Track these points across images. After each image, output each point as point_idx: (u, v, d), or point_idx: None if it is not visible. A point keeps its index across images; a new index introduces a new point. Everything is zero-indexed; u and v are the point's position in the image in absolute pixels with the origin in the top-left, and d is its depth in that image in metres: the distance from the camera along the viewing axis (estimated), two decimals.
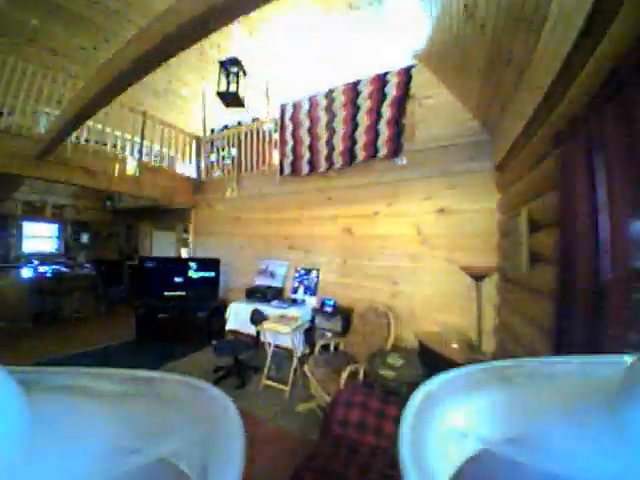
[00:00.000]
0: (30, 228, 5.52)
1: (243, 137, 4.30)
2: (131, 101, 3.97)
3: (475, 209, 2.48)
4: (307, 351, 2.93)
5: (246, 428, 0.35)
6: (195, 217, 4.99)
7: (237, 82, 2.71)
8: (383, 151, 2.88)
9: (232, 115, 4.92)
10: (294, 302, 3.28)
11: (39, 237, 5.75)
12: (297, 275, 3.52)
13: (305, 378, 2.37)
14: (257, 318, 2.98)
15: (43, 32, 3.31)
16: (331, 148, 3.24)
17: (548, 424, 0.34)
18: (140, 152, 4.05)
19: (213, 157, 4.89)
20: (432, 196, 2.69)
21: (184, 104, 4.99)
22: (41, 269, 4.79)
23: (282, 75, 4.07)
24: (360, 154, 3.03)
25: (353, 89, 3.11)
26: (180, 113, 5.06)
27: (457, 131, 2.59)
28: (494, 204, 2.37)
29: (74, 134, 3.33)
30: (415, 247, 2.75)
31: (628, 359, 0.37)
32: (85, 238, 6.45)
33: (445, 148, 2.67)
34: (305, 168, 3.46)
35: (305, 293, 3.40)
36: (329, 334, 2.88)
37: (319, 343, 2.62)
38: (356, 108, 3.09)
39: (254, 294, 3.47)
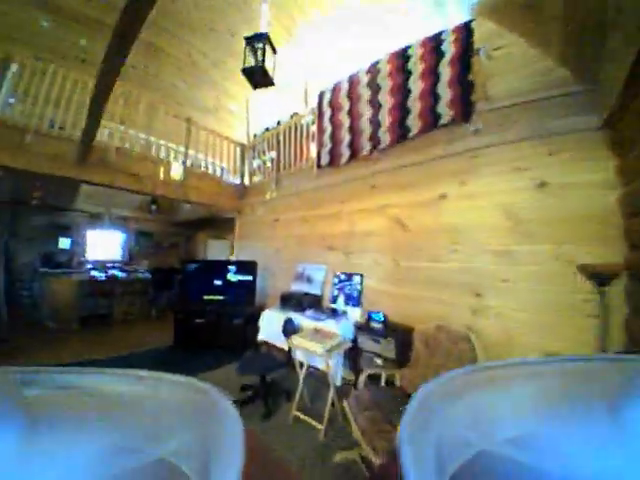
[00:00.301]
0: (94, 237, 5.98)
1: (282, 136, 4.09)
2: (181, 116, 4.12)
3: (584, 182, 1.67)
4: (351, 378, 2.32)
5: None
6: (239, 223, 4.90)
7: (263, 57, 2.40)
8: (447, 116, 2.21)
9: (273, 117, 4.83)
10: (333, 313, 2.71)
11: (104, 245, 6.20)
12: (336, 281, 2.96)
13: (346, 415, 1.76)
14: (289, 329, 2.50)
15: (92, 52, 3.57)
16: (376, 125, 2.68)
17: (547, 424, 0.34)
18: (185, 157, 4.08)
19: (255, 163, 4.80)
20: (525, 166, 1.89)
21: (232, 118, 5.15)
22: (95, 273, 5.09)
23: (322, 65, 3.78)
24: (414, 125, 2.40)
25: (401, 55, 2.57)
26: (228, 127, 5.21)
27: (541, 83, 1.86)
28: (610, 173, 1.58)
29: (119, 140, 3.47)
30: (504, 239, 1.93)
31: (628, 357, 0.37)
32: (148, 247, 6.97)
33: (532, 104, 1.91)
34: (345, 154, 2.96)
35: (347, 303, 2.81)
36: (379, 361, 2.21)
37: (365, 372, 1.92)
38: (406, 74, 2.51)
39: (288, 301, 3.02)
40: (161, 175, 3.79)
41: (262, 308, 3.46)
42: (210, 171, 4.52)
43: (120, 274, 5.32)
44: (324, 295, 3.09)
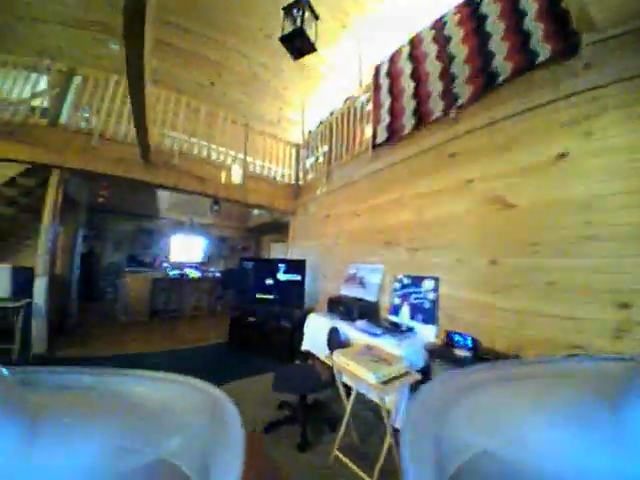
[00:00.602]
0: (178, 241, 6.80)
1: (335, 125, 3.79)
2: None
3: None
4: None
5: None
6: (293, 224, 4.76)
7: (302, 21, 2.10)
8: (545, 51, 1.53)
9: (327, 109, 4.59)
10: (394, 328, 2.12)
11: (186, 249, 7.00)
12: (398, 286, 2.36)
13: None
14: (334, 341, 2.05)
15: (164, 72, 3.92)
16: (449, 80, 2.06)
17: (548, 424, 0.34)
18: (243, 161, 4.15)
19: (308, 162, 4.61)
20: None
21: (291, 126, 5.29)
22: (170, 272, 5.59)
23: (377, 39, 3.39)
24: (504, 68, 1.72)
25: (469, 2, 1.99)
26: (283, 131, 5.36)
27: None
28: None
29: (184, 145, 3.68)
30: None
31: (629, 357, 0.37)
32: (224, 250, 7.62)
33: None
34: (407, 125, 2.39)
35: (413, 317, 2.17)
36: None
37: None
38: (480, 19, 1.91)
39: (336, 306, 2.57)
40: (222, 178, 3.92)
41: (312, 312, 3.09)
42: (267, 174, 4.53)
43: (193, 272, 5.79)
44: (381, 303, 2.52)
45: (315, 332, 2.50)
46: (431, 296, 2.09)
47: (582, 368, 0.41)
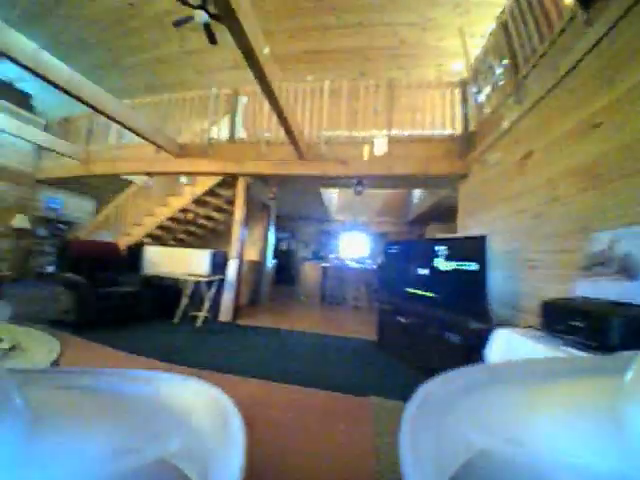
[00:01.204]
0: (347, 239, 8.06)
1: (510, 21, 2.32)
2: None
3: None
4: None
5: None
6: (462, 191, 3.37)
7: None
8: None
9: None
10: None
11: (354, 245, 8.08)
12: None
13: None
14: None
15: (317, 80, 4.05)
16: None
17: (548, 424, 0.34)
18: (388, 128, 3.51)
19: (483, 93, 3.08)
20: None
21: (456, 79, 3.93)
22: (333, 262, 6.09)
23: None
24: None
25: None
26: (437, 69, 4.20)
27: None
28: None
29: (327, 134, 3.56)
30: None
31: (629, 357, 0.36)
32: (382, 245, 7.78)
33: None
34: None
35: None
36: None
37: None
38: None
39: (563, 319, 1.16)
40: (365, 155, 3.53)
41: (502, 325, 1.73)
42: (417, 134, 3.53)
43: (353, 265, 5.85)
44: None
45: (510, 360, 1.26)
46: None
47: (581, 368, 0.41)
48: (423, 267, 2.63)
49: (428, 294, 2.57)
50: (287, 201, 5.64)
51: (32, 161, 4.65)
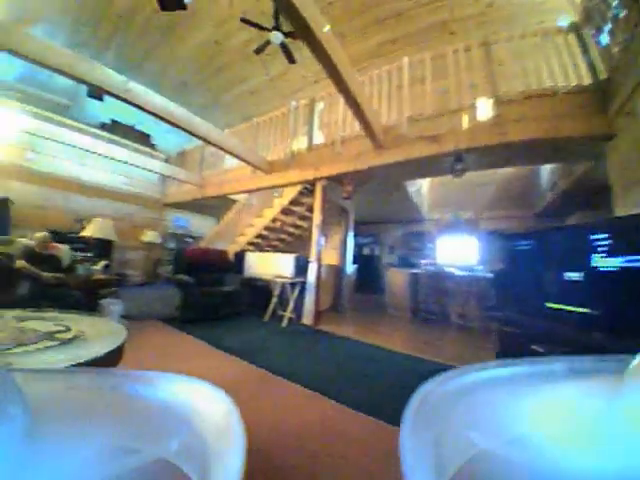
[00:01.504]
0: (445, 242, 6.17)
1: None
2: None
3: None
4: None
5: None
6: (614, 157, 2.38)
7: None
8: None
9: None
10: None
11: (456, 250, 6.06)
12: None
13: None
14: None
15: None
16: None
17: (548, 424, 0.34)
18: (490, 84, 2.84)
19: (605, 32, 2.18)
20: None
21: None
22: (427, 268, 5.02)
23: None
24: None
25: None
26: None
27: None
28: None
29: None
30: None
31: (629, 359, 0.36)
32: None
33: None
34: None
35: None
36: None
37: None
38: None
39: None
40: (465, 124, 2.91)
41: None
42: (536, 85, 2.71)
43: (456, 272, 4.79)
44: None
45: None
46: None
47: (581, 368, 0.41)
48: (574, 268, 1.83)
49: (580, 309, 1.77)
50: (367, 202, 5.35)
51: (159, 189, 5.99)
